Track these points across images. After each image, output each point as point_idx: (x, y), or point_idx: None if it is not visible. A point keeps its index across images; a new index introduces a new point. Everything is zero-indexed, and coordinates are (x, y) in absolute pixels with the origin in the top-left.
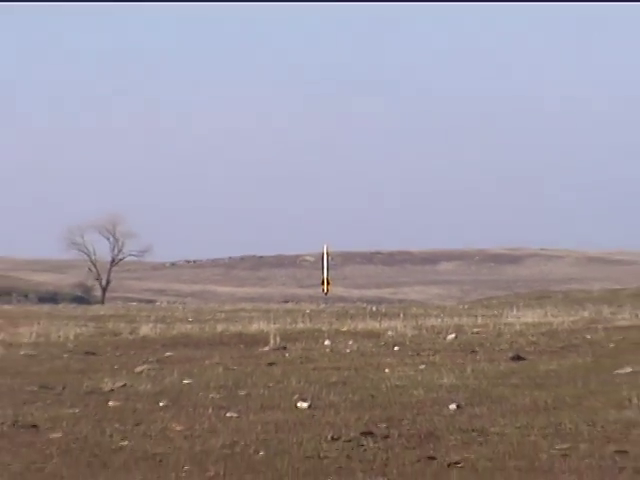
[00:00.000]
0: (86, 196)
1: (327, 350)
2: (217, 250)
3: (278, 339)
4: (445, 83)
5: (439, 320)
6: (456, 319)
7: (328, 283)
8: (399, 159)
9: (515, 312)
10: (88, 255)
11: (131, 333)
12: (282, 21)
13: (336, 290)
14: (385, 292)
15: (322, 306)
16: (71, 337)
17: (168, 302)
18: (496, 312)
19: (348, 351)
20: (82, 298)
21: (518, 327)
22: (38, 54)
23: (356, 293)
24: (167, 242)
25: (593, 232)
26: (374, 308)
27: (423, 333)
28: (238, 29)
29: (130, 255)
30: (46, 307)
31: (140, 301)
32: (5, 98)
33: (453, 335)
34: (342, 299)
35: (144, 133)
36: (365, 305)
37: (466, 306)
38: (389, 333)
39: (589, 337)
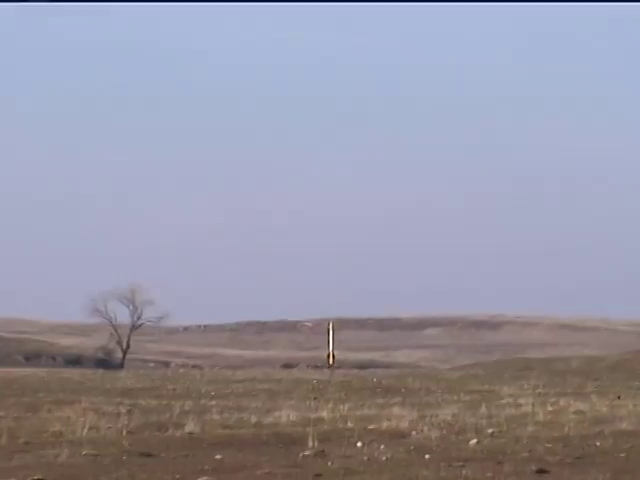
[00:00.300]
0: (107, 261)
1: (365, 458)
2: (225, 316)
3: (316, 442)
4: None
5: (443, 404)
6: (455, 397)
7: (333, 357)
8: (389, 234)
9: (507, 389)
10: (110, 321)
11: (177, 428)
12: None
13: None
14: (376, 355)
15: (326, 373)
16: (122, 431)
17: (183, 366)
18: (487, 387)
19: (384, 459)
20: (105, 360)
21: (530, 428)
22: (52, 116)
23: (350, 356)
24: (180, 308)
25: (563, 300)
26: (374, 379)
27: (444, 434)
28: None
29: (148, 321)
30: (77, 374)
31: (156, 362)
32: (27, 164)
33: (475, 440)
34: (338, 362)
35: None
36: (362, 373)
37: (456, 376)
38: (414, 434)
39: (599, 444)
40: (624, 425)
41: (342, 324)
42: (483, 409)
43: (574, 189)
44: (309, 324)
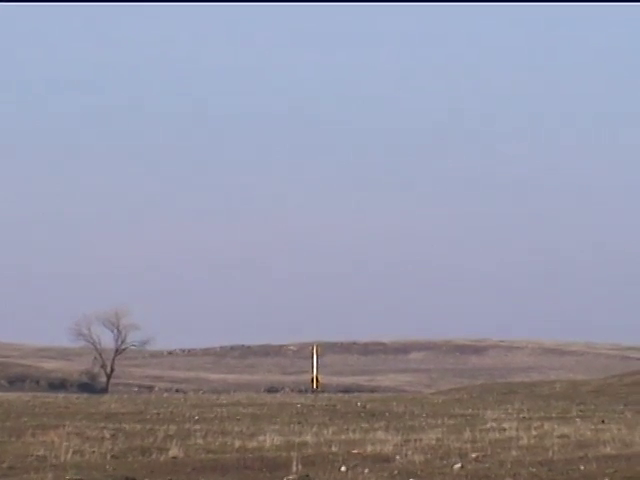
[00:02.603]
0: (91, 285)
1: None
2: (209, 339)
3: (300, 466)
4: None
5: (427, 428)
6: (439, 421)
7: (317, 380)
8: (373, 258)
9: (490, 413)
10: (94, 345)
11: (160, 452)
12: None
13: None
14: (361, 379)
15: (310, 397)
16: (106, 455)
17: (167, 390)
18: (472, 411)
19: None
20: (88, 384)
21: (514, 452)
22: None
23: (335, 380)
24: (165, 332)
25: (547, 324)
26: (359, 403)
27: (429, 458)
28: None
29: (132, 345)
30: (61, 398)
31: (140, 386)
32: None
33: (459, 465)
34: (323, 386)
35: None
36: (346, 397)
37: (440, 400)
38: (398, 458)
39: (583, 468)
40: (608, 449)
41: (326, 348)
42: (467, 433)
43: (560, 214)
44: (293, 348)
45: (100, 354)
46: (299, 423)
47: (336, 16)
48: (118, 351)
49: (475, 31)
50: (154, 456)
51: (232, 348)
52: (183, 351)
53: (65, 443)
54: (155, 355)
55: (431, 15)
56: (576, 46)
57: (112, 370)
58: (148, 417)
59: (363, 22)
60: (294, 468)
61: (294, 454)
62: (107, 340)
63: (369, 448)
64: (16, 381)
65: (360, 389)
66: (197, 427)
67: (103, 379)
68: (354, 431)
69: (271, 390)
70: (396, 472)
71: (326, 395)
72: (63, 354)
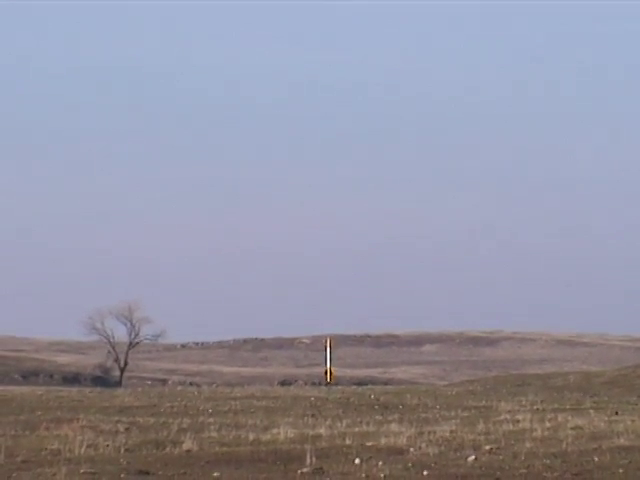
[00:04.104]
0: (104, 279)
1: (363, 475)
2: (223, 333)
3: (314, 459)
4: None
5: (441, 420)
6: (453, 413)
7: (331, 373)
8: (386, 250)
9: (504, 405)
10: (107, 339)
11: (174, 446)
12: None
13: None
14: (374, 371)
15: (324, 389)
16: (120, 449)
17: (181, 383)
18: (485, 403)
19: (382, 476)
20: (102, 378)
21: (528, 444)
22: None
23: (349, 372)
24: (178, 325)
25: (561, 316)
26: (372, 396)
27: (442, 450)
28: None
29: (145, 339)
30: (74, 392)
31: (154, 380)
32: (26, 186)
33: (473, 457)
34: (337, 379)
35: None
36: (360, 389)
37: (454, 392)
38: (412, 450)
39: (597, 460)
40: (622, 441)
41: (340, 341)
42: (481, 425)
43: (570, 205)
44: (307, 341)
45: (113, 348)
46: (313, 416)
47: (341, 13)
48: (131, 344)
49: (477, 28)
50: (168, 449)
51: (245, 341)
52: (196, 344)
53: (79, 437)
54: (168, 348)
55: (437, 10)
56: None
57: (126, 364)
58: (162, 410)
59: (369, 20)
60: (308, 461)
61: (308, 447)
62: (120, 334)
63: (383, 440)
64: (30, 375)
65: (373, 381)
66: (211, 420)
67: (117, 373)
68: (368, 424)
69: (284, 383)
70: (410, 464)
71: (340, 388)
72: (77, 348)
